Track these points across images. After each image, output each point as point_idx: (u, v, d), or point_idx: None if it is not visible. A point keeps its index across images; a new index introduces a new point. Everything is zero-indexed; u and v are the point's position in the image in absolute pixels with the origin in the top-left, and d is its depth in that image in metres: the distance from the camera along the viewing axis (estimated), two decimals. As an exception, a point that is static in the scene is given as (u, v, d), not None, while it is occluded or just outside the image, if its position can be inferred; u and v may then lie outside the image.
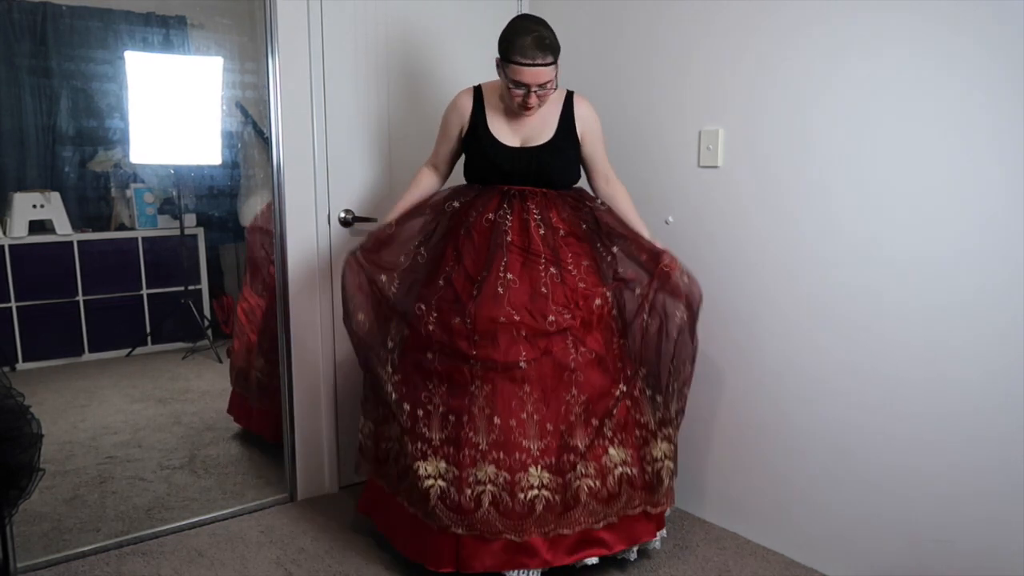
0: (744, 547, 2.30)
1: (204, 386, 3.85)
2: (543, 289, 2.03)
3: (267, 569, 2.17)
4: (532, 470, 1.95)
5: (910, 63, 1.84)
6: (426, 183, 2.32)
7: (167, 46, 4.53)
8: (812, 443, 2.15)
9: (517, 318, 1.99)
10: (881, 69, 1.90)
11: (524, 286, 2.03)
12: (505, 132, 2.15)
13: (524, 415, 1.97)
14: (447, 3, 2.69)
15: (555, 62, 2.01)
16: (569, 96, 2.19)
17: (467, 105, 2.19)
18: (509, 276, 2.02)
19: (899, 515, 1.97)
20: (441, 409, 2.02)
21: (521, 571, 1.97)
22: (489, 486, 1.94)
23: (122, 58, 4.22)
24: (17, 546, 2.13)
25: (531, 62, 1.96)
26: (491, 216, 2.10)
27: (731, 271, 2.31)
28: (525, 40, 1.95)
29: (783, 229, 2.16)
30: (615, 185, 2.26)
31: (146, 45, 4.45)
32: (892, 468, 1.98)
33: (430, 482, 1.97)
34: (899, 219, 1.90)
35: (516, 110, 2.11)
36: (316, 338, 2.58)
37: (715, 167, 2.31)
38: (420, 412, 2.03)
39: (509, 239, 2.06)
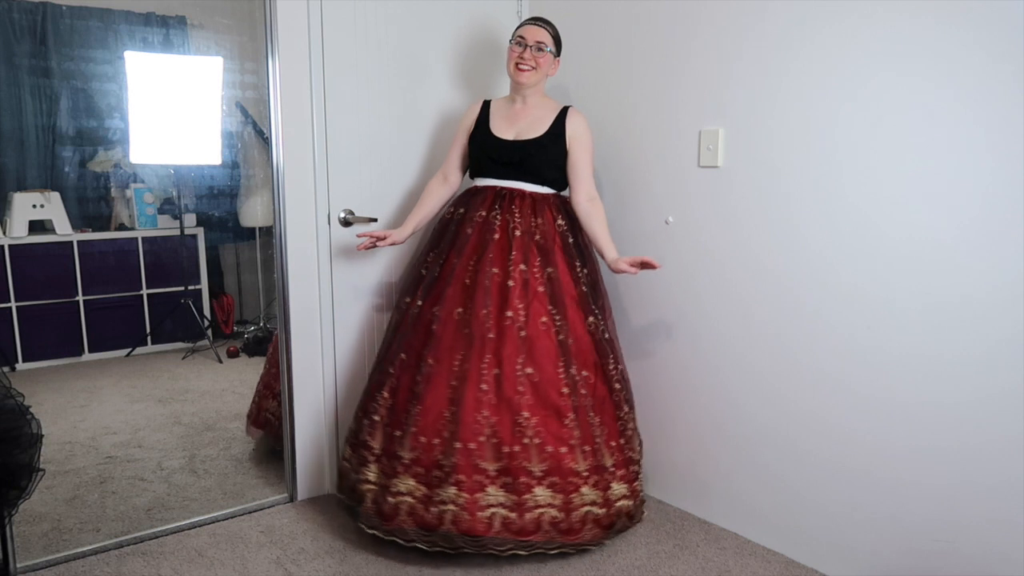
0: (744, 547, 2.31)
1: (204, 386, 3.85)
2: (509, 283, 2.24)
3: (267, 569, 2.17)
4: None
5: (914, 60, 1.84)
6: (436, 193, 2.52)
7: (167, 46, 4.53)
8: (811, 444, 2.15)
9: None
10: (884, 68, 1.89)
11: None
12: (503, 128, 2.41)
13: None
14: (447, 4, 2.69)
15: (554, 38, 2.37)
16: (565, 108, 2.40)
17: (475, 111, 2.49)
18: (494, 270, 2.25)
19: (899, 515, 1.97)
20: None
21: None
22: None
23: (122, 58, 4.21)
24: (17, 546, 2.13)
25: (532, 23, 2.38)
26: (483, 213, 2.33)
27: (731, 271, 2.31)
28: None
29: (783, 229, 2.16)
30: (596, 204, 2.39)
31: (146, 45, 4.46)
32: (892, 468, 1.98)
33: None
34: (901, 221, 1.90)
35: (514, 76, 2.35)
36: (316, 337, 2.58)
37: (715, 167, 2.31)
38: None
39: (496, 236, 2.28)
